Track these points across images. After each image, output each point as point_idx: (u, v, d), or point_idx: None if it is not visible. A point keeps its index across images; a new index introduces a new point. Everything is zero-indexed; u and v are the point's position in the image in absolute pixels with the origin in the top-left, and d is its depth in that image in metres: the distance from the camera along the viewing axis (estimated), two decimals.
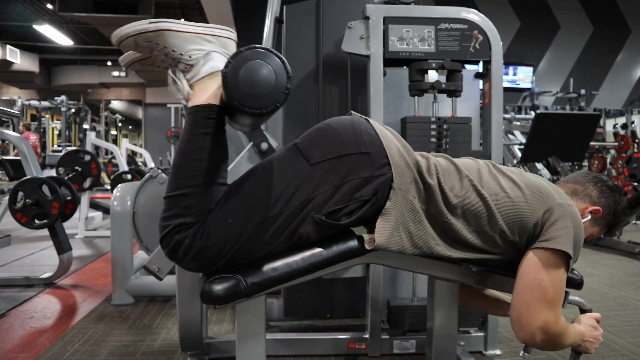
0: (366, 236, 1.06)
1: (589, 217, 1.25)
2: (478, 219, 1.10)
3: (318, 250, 1.04)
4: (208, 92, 1.03)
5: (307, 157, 1.04)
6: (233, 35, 1.11)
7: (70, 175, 4.22)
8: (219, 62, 1.05)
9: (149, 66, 1.12)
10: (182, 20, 1.06)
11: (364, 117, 1.15)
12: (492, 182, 1.14)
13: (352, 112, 1.21)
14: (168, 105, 11.58)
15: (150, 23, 1.02)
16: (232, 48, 1.10)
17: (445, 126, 1.80)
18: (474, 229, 1.10)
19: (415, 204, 1.07)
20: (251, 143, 1.55)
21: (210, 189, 1.01)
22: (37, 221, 2.79)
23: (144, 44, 1.03)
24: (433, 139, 1.80)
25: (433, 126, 1.80)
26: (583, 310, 1.27)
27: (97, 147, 11.14)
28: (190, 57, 1.04)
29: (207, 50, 1.06)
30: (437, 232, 1.09)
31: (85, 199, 4.60)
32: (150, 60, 1.09)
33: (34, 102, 11.68)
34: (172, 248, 0.99)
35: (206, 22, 10.59)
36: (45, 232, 2.90)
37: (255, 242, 1.01)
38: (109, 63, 14.64)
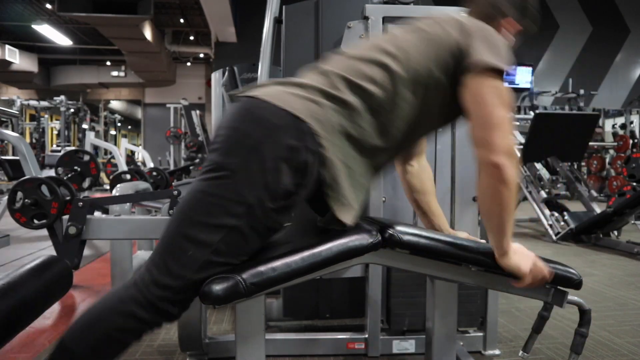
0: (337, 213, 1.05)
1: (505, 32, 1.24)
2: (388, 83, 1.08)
3: (318, 250, 1.04)
4: None
5: (226, 168, 0.99)
6: None
7: (69, 175, 4.21)
8: None
9: None
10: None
11: (244, 94, 1.08)
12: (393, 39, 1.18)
13: (233, 95, 1.12)
14: (167, 105, 11.57)
15: None
16: None
17: None
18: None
19: (346, 128, 1.05)
20: None
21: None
22: (36, 221, 2.78)
23: None
24: None
25: None
26: (582, 311, 1.27)
27: (96, 147, 11.15)
28: None
29: None
30: (373, 117, 1.08)
31: None
32: None
33: (33, 102, 11.68)
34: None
35: (205, 22, 10.57)
36: (44, 232, 2.89)
37: (237, 252, 1.01)
38: (108, 63, 14.64)
